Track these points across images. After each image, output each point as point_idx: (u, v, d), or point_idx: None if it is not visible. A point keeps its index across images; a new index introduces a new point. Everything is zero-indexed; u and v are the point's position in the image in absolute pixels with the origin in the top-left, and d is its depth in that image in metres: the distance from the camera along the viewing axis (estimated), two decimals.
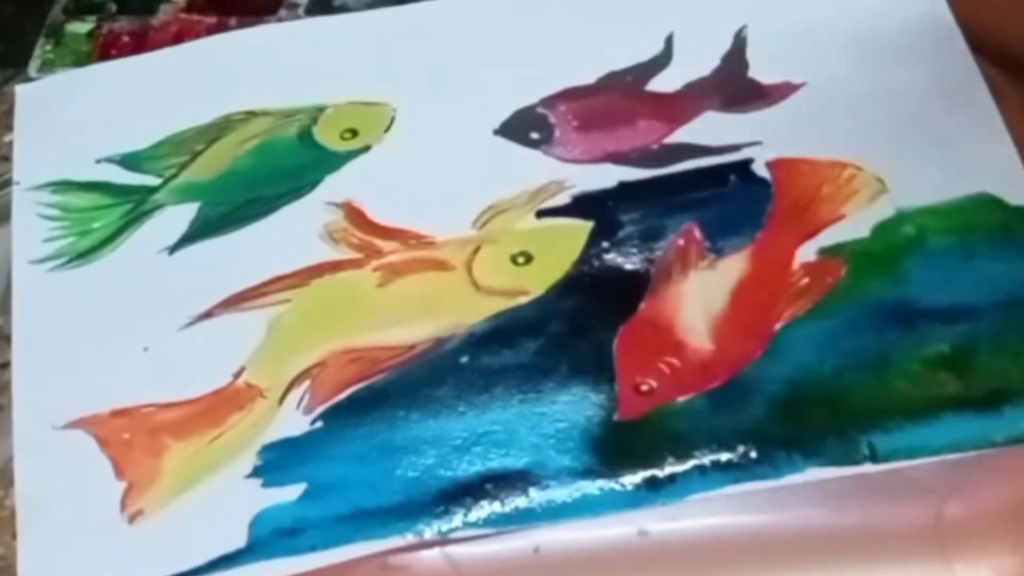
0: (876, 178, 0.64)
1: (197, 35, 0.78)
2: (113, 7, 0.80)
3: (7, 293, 0.67)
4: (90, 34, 0.79)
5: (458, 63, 0.74)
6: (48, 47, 0.78)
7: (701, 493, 0.55)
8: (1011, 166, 0.64)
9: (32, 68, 0.77)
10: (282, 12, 0.79)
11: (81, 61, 0.77)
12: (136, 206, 0.70)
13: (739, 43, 0.72)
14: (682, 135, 0.68)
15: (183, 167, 0.71)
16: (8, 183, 0.71)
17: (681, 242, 0.64)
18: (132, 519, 0.58)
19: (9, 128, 0.74)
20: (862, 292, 0.60)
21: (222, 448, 0.59)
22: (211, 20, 0.78)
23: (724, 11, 0.72)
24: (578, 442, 0.57)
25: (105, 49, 0.78)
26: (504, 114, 0.71)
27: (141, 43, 0.78)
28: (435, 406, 0.59)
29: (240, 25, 0.78)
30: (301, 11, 0.79)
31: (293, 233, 0.67)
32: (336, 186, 0.69)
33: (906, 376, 0.57)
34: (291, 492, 0.57)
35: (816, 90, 0.68)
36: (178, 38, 0.78)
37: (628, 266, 0.63)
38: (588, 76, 0.72)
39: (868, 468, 0.55)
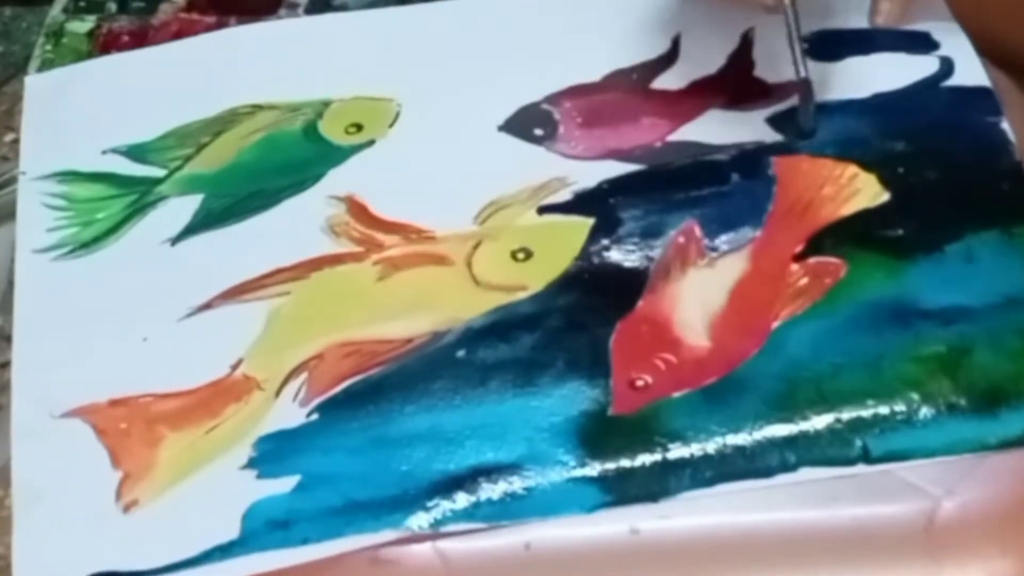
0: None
1: (196, 35, 0.78)
2: (113, 7, 0.80)
3: (8, 293, 0.67)
4: (90, 34, 0.79)
5: (464, 60, 0.74)
6: (48, 47, 0.78)
7: (693, 491, 0.55)
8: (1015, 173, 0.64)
9: (32, 68, 0.77)
10: (281, 12, 0.79)
11: (81, 60, 0.77)
12: (140, 197, 0.70)
13: (746, 43, 0.72)
14: (685, 133, 0.68)
15: (188, 159, 0.71)
16: (9, 183, 0.71)
17: (681, 240, 0.63)
18: (127, 509, 0.58)
19: (9, 128, 0.74)
20: (861, 292, 0.60)
21: (218, 439, 0.59)
22: (211, 20, 0.79)
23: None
24: (571, 436, 0.57)
25: (105, 48, 0.78)
26: (509, 110, 0.71)
27: (141, 42, 0.78)
28: (430, 399, 0.59)
29: (240, 24, 0.78)
30: (300, 11, 0.79)
31: (295, 226, 0.67)
32: (339, 180, 0.69)
33: (902, 377, 0.57)
34: (285, 484, 0.57)
35: (820, 90, 0.68)
36: (177, 37, 0.78)
37: (627, 263, 0.63)
38: (594, 74, 0.72)
39: (861, 469, 0.55)
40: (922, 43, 0.70)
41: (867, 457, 0.55)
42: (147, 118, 0.73)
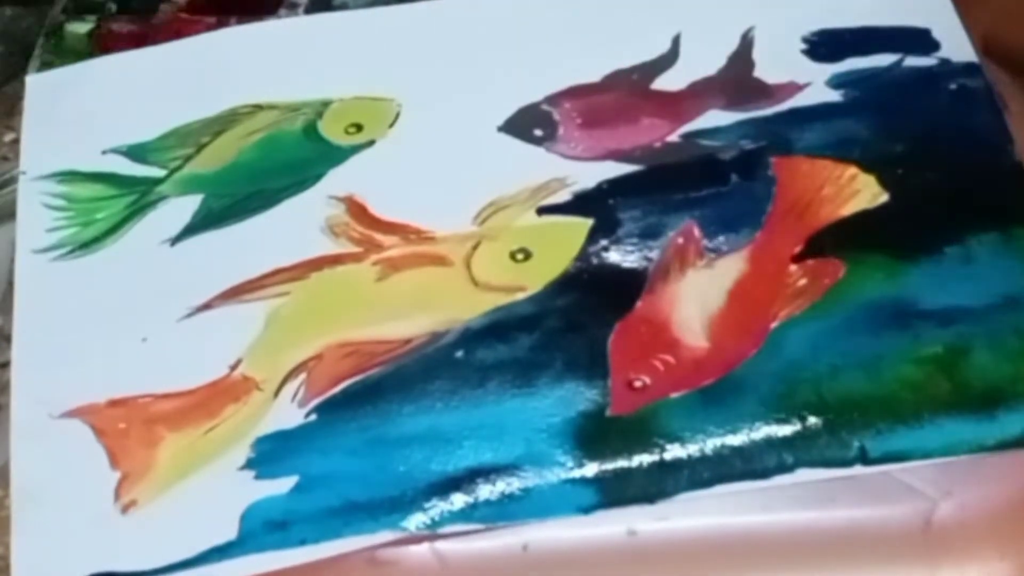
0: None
1: (196, 35, 0.78)
2: (113, 7, 0.80)
3: (8, 293, 0.67)
4: (90, 34, 0.79)
5: (464, 60, 0.74)
6: (48, 47, 0.78)
7: (691, 492, 0.55)
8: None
9: (32, 68, 0.77)
10: (281, 12, 0.79)
11: (81, 60, 0.77)
12: (140, 197, 0.70)
13: (746, 43, 0.72)
14: (685, 133, 0.68)
15: (188, 159, 0.71)
16: (9, 183, 0.71)
17: (680, 240, 0.63)
18: (125, 509, 0.58)
19: (9, 128, 0.74)
20: (859, 293, 0.60)
21: (217, 440, 0.60)
22: (211, 20, 0.78)
23: (731, 11, 0.72)
24: (569, 437, 0.57)
25: (105, 49, 0.78)
26: (509, 111, 0.71)
27: (141, 43, 0.78)
28: (428, 400, 0.59)
29: (240, 24, 0.78)
30: (301, 11, 0.79)
31: (295, 226, 0.67)
32: (339, 180, 0.69)
33: (900, 378, 0.57)
34: (283, 485, 0.57)
35: (820, 91, 0.68)
36: (177, 37, 0.78)
37: (626, 264, 0.63)
38: (594, 74, 0.72)
39: (858, 470, 0.55)
40: (922, 43, 0.70)
41: (865, 458, 0.55)
42: (147, 118, 0.73)
